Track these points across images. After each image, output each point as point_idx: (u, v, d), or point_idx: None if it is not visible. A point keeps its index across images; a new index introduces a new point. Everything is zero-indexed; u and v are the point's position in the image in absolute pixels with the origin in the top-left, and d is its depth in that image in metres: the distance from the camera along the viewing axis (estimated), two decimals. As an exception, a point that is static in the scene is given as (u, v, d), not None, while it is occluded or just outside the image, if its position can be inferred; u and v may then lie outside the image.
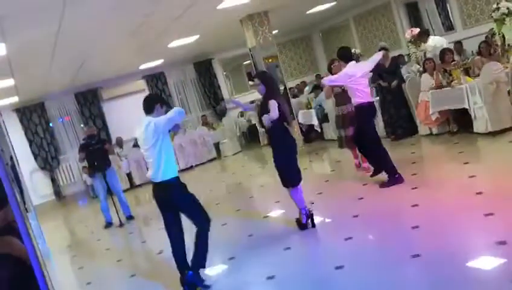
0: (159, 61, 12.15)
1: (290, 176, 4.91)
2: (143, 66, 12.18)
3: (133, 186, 11.56)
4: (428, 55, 8.30)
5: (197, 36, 9.64)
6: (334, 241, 4.48)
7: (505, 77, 6.45)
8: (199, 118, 13.72)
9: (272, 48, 9.31)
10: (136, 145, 12.04)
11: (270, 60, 9.38)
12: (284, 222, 5.61)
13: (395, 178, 5.47)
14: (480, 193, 4.52)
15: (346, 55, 5.84)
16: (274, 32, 9.44)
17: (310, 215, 4.94)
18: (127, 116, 13.01)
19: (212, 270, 4.70)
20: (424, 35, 9.00)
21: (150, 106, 4.26)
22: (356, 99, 5.67)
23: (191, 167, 12.11)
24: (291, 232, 5.10)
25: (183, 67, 13.89)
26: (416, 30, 9.18)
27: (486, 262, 3.28)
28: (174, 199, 4.20)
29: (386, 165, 5.56)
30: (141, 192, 10.98)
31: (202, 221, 4.29)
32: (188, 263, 4.29)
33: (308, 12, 11.33)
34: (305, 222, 4.93)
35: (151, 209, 8.86)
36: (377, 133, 5.89)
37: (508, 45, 7.42)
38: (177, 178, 4.25)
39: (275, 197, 6.76)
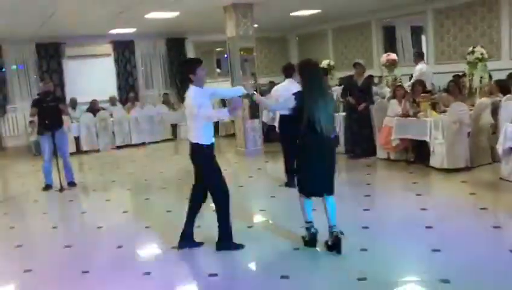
0: (131, 30, 11.73)
1: None
2: (113, 31, 11.71)
3: (79, 151, 11.12)
4: (414, 78, 8.77)
5: (177, 13, 9.37)
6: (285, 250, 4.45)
7: (468, 119, 6.65)
8: (161, 95, 13.39)
9: (250, 41, 9.18)
10: (89, 110, 11.62)
11: (245, 52, 9.25)
12: (235, 217, 5.52)
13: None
14: (430, 227, 4.62)
15: (285, 70, 6.67)
16: (254, 26, 9.31)
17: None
18: (86, 78, 12.53)
19: (156, 257, 4.55)
20: (419, 58, 9.61)
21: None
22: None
23: (143, 143, 11.79)
24: (240, 230, 5.02)
25: (155, 40, 13.51)
26: (392, 55, 9.36)
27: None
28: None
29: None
30: (87, 159, 10.57)
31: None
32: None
33: (291, 14, 11.29)
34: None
35: (95, 178, 8.60)
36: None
37: (475, 88, 7.70)
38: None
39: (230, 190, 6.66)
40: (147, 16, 9.46)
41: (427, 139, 6.81)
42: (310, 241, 4.29)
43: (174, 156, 10.65)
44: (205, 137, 4.33)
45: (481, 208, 5.05)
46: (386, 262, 3.91)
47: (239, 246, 4.48)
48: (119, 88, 13.25)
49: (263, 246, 4.54)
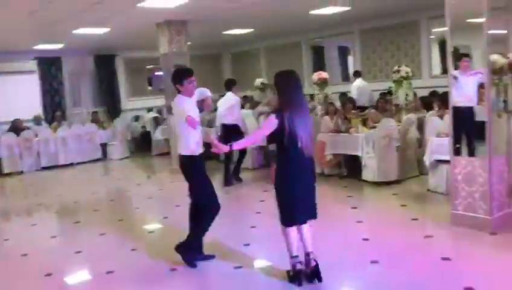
0: (58, 46, 11.21)
1: None
2: (38, 47, 11.15)
3: (0, 174, 10.37)
4: (353, 94, 9.51)
5: (108, 29, 9.10)
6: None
7: (397, 134, 6.97)
8: (89, 114, 12.88)
9: (184, 58, 9.09)
10: (11, 129, 10.90)
11: (179, 71, 9.14)
12: (169, 239, 5.35)
13: None
14: (366, 239, 4.74)
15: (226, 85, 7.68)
16: (188, 43, 9.26)
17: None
18: (7, 96, 11.79)
19: (89, 284, 4.29)
20: (355, 75, 10.47)
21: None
22: None
23: (71, 164, 11.23)
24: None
25: (83, 57, 13.01)
26: (324, 74, 9.65)
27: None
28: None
29: None
30: (9, 182, 9.88)
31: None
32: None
33: (224, 32, 11.36)
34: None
35: (18, 202, 8.03)
36: None
37: (401, 105, 8.10)
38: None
39: (164, 213, 6.49)
40: (75, 32, 9.09)
41: (358, 153, 7.04)
42: (295, 277, 3.79)
43: (104, 177, 10.22)
44: (194, 147, 4.21)
45: (412, 219, 5.27)
46: (325, 276, 3.94)
47: (192, 264, 4.35)
48: (45, 106, 12.59)
49: (205, 266, 4.42)
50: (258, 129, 3.91)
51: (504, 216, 4.74)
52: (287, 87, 3.66)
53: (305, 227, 3.79)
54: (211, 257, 4.48)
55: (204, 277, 4.29)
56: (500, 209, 4.71)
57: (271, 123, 3.60)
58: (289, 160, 3.67)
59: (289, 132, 3.54)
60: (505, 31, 4.81)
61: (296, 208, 3.70)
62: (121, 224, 6.19)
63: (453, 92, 4.86)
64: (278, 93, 3.70)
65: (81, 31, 9.02)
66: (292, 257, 3.79)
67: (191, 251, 4.40)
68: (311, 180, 3.80)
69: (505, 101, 4.82)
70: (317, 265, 3.76)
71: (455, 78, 4.80)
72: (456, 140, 4.87)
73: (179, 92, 4.27)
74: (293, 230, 3.76)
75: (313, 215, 3.82)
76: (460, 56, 4.80)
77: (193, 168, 4.30)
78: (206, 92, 4.58)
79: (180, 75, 4.30)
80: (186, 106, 4.15)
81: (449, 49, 4.88)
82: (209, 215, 4.32)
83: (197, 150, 4.25)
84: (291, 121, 3.55)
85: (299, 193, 3.68)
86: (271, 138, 3.75)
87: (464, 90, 4.77)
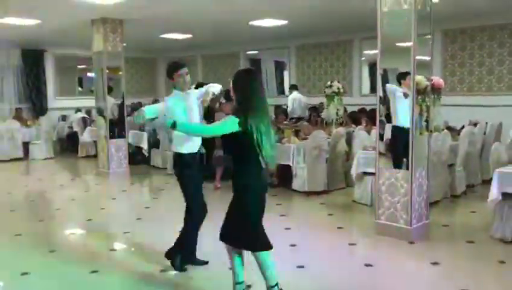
0: (-19, 35, 10.52)
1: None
2: (-42, 35, 10.40)
3: None
4: (289, 106, 9.98)
5: (38, 21, 8.66)
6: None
7: (327, 146, 7.18)
8: (12, 110, 12.14)
9: (118, 59, 8.85)
10: None
11: (113, 71, 8.91)
12: (92, 242, 5.14)
13: None
14: (294, 245, 4.81)
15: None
16: (123, 44, 9.02)
17: None
18: None
19: (3, 283, 4.01)
20: (292, 88, 10.83)
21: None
22: None
23: (-12, 162, 10.50)
24: (99, 255, 4.68)
25: (9, 49, 12.29)
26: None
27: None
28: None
29: None
30: None
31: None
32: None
33: (161, 36, 11.20)
34: None
35: None
36: None
37: (331, 119, 8.37)
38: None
39: (87, 215, 6.22)
40: (1, 21, 8.56)
41: (290, 163, 7.17)
42: None
43: (25, 176, 9.63)
44: (185, 145, 3.96)
45: (338, 227, 5.43)
46: (253, 280, 3.95)
47: (181, 268, 4.14)
48: (-37, 100, 11.74)
49: (127, 269, 4.27)
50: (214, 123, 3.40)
51: (422, 226, 5.01)
52: (252, 88, 3.14)
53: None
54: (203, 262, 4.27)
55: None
56: (419, 220, 4.97)
57: (233, 123, 3.05)
58: (251, 177, 3.18)
59: (251, 142, 3.06)
60: (429, 58, 5.15)
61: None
62: (39, 225, 5.86)
63: (399, 111, 5.01)
64: (239, 94, 3.15)
65: (9, 20, 8.51)
66: (237, 283, 3.48)
67: (179, 251, 4.17)
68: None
69: (426, 121, 5.13)
70: None
71: (406, 95, 4.87)
72: (398, 158, 5.03)
73: (174, 87, 4.06)
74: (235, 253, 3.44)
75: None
76: (404, 74, 4.91)
77: (182, 167, 4.04)
78: (211, 88, 4.17)
79: (170, 69, 4.07)
80: (166, 103, 3.98)
81: (379, 70, 5.13)
82: (202, 214, 4.14)
83: (191, 148, 4.00)
84: (256, 129, 3.04)
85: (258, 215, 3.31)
86: (227, 145, 3.49)
87: (407, 109, 4.87)
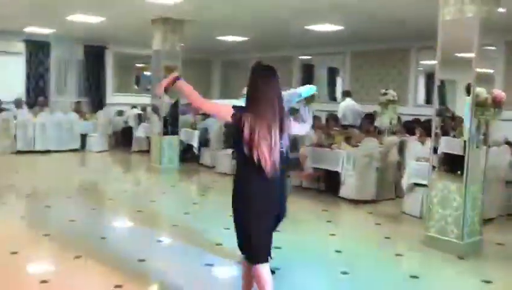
0: (49, 30, 11.10)
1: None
2: (29, 29, 11.02)
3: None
4: (339, 113, 9.78)
5: (103, 19, 9.05)
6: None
7: (378, 154, 7.06)
8: (73, 103, 12.72)
9: (176, 58, 9.07)
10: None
11: (170, 71, 9.14)
12: (141, 232, 5.31)
13: None
14: (339, 251, 4.77)
15: None
16: (181, 44, 9.27)
17: None
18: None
19: (55, 265, 4.20)
20: (344, 95, 10.55)
21: None
22: None
23: (48, 151, 11.02)
24: (147, 245, 4.83)
25: (73, 45, 12.89)
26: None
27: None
28: None
29: None
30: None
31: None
32: None
33: (218, 37, 11.41)
34: None
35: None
36: None
37: (385, 128, 8.22)
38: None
39: (138, 206, 6.41)
40: (68, 18, 9.02)
41: (339, 170, 7.09)
42: None
43: (80, 167, 10.07)
44: None
45: (385, 237, 5.32)
46: (296, 283, 3.95)
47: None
48: (28, 90, 12.42)
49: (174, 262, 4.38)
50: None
51: (474, 243, 4.82)
52: (258, 87, 2.85)
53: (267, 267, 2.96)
54: None
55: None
56: (471, 236, 4.79)
57: (228, 110, 2.86)
58: (253, 186, 2.84)
59: (249, 140, 2.75)
60: (492, 70, 4.96)
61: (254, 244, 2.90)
62: (92, 212, 6.10)
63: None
64: (248, 87, 2.88)
65: (76, 17, 8.96)
66: None
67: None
68: (277, 210, 3.00)
69: (484, 134, 4.94)
70: None
71: None
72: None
73: None
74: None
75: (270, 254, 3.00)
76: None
77: None
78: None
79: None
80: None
81: (436, 82, 5.01)
82: None
83: None
84: (253, 128, 2.74)
85: (261, 226, 2.88)
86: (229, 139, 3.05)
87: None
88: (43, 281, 3.79)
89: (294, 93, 3.83)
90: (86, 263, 4.24)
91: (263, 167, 2.75)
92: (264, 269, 2.91)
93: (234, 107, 2.88)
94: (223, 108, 2.96)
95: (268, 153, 2.76)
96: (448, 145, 5.32)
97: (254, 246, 2.90)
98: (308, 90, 3.79)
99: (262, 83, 2.87)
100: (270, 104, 2.82)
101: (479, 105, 4.79)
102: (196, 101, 2.97)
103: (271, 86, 2.87)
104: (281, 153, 2.87)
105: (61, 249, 4.58)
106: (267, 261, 2.92)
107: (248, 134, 2.75)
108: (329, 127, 8.64)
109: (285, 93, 3.71)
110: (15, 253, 4.37)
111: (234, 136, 2.93)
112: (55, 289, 3.72)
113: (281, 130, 2.86)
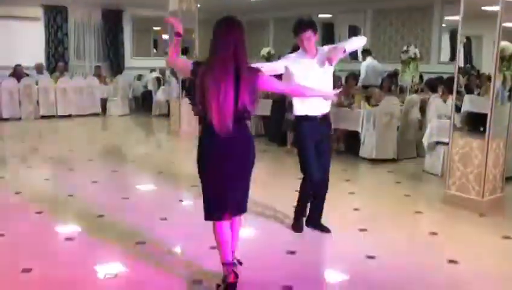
0: (66, -6, 11.06)
1: None
2: (46, -6, 11.01)
3: (-1, 118, 10.34)
4: (362, 73, 9.68)
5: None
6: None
7: (399, 113, 6.94)
8: (92, 68, 12.78)
9: (192, 19, 8.97)
10: (12, 74, 10.81)
11: (187, 32, 9.04)
12: (162, 192, 5.41)
13: None
14: (357, 209, 4.77)
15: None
16: (198, 5, 9.12)
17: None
18: (10, 42, 11.66)
19: (80, 225, 4.32)
20: (365, 53, 10.12)
21: None
22: None
23: (69, 115, 11.18)
24: (168, 204, 4.91)
25: (91, 9, 12.84)
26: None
27: (355, 274, 3.42)
28: None
29: None
30: (7, 126, 9.85)
31: None
32: None
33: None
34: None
35: (15, 146, 8.04)
36: None
37: (406, 86, 8.05)
38: None
39: (158, 168, 6.49)
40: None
41: (358, 129, 7.01)
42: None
43: (102, 131, 10.21)
44: (297, 107, 3.84)
45: (405, 195, 5.30)
46: (316, 239, 3.98)
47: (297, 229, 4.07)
48: (48, 56, 12.51)
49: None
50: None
51: (495, 200, 4.76)
52: (217, 35, 2.77)
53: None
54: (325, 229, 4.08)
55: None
56: (493, 193, 4.73)
57: (187, 65, 2.85)
58: (202, 137, 2.85)
59: (200, 96, 2.68)
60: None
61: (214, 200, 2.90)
62: (114, 174, 6.22)
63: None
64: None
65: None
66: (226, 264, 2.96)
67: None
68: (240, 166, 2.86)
69: (510, 90, 4.79)
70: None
71: None
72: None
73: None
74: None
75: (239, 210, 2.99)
76: None
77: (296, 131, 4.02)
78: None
79: (294, 26, 3.78)
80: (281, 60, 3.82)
81: (459, 38, 4.83)
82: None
83: (301, 110, 3.84)
84: (203, 82, 2.67)
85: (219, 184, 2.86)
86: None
87: None
88: (68, 239, 3.92)
89: (336, 48, 3.76)
90: (108, 221, 4.35)
91: (212, 123, 2.66)
92: (216, 227, 2.90)
93: (193, 62, 2.83)
94: (184, 64, 2.96)
95: (216, 108, 2.63)
96: (473, 103, 5.21)
97: (206, 203, 2.91)
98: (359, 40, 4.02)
99: (216, 34, 2.77)
100: (221, 57, 2.69)
101: (504, 60, 4.63)
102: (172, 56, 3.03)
103: (224, 37, 2.74)
104: (238, 107, 2.68)
105: (85, 208, 4.70)
106: (219, 219, 2.88)
107: (200, 89, 2.67)
108: (350, 87, 8.50)
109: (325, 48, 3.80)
110: (40, 213, 4.50)
111: (191, 92, 2.85)
112: (79, 245, 3.85)
113: (238, 83, 2.68)
